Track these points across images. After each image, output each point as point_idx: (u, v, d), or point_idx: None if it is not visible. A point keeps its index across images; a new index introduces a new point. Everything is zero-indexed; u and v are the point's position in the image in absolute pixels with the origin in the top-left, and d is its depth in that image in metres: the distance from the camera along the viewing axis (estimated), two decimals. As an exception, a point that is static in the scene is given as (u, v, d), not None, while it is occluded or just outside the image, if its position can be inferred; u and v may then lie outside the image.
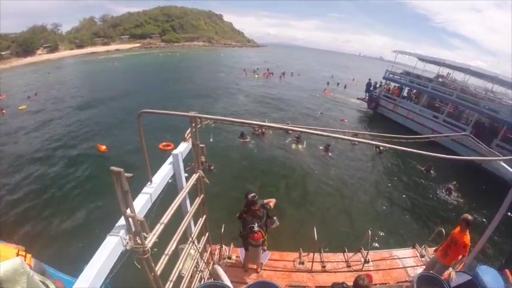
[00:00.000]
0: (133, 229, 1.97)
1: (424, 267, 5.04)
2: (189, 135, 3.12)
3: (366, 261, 5.11)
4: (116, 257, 1.90)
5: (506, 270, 4.15)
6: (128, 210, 1.89)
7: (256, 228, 4.06)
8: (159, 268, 2.46)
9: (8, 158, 12.71)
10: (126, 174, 1.72)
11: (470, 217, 4.11)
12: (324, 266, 5.04)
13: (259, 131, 15.57)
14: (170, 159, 3.01)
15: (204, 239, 4.18)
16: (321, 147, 14.44)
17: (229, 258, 5.05)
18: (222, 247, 5.12)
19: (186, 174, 3.29)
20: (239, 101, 24.57)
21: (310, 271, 4.92)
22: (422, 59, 21.37)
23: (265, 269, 4.93)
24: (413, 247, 5.79)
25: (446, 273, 4.20)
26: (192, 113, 2.74)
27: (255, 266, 4.85)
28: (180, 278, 3.30)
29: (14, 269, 1.94)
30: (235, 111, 21.45)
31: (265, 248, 4.54)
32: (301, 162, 13.07)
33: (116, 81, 32.85)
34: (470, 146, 13.70)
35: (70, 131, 16.33)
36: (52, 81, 33.83)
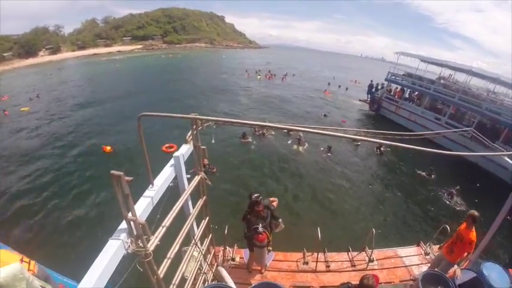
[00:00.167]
0: (135, 232, 1.96)
1: (429, 265, 4.99)
2: (190, 137, 3.12)
3: (371, 260, 5.08)
4: (117, 260, 1.89)
5: (510, 270, 4.09)
6: (129, 214, 1.89)
7: (260, 229, 4.03)
8: (161, 271, 2.44)
9: (10, 160, 12.73)
10: (126, 177, 1.72)
11: (476, 213, 4.04)
12: (328, 266, 5.01)
13: (260, 132, 15.57)
14: (172, 161, 3.01)
15: (207, 241, 4.16)
16: (322, 149, 14.38)
17: (233, 259, 5.01)
18: (226, 248, 5.08)
19: (189, 176, 3.28)
20: (241, 102, 24.55)
21: (315, 271, 4.88)
22: (424, 60, 21.33)
23: (269, 270, 4.90)
24: (418, 245, 5.75)
25: (451, 270, 4.15)
26: (192, 115, 2.73)
27: (259, 267, 4.82)
28: (183, 280, 3.28)
29: (14, 275, 1.94)
30: (238, 111, 21.44)
31: (270, 248, 4.52)
32: (303, 163, 13.04)
33: (118, 83, 32.99)
34: (470, 148, 13.83)
35: (73, 133, 16.37)
36: (54, 83, 33.98)
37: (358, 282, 3.01)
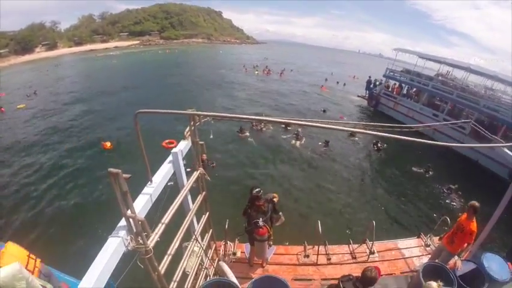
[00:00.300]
0: (135, 229, 1.95)
1: (429, 256, 5.03)
2: (189, 133, 3.10)
3: (371, 252, 5.11)
4: (118, 258, 1.89)
5: (509, 264, 4.11)
6: (128, 211, 1.87)
7: (261, 223, 4.04)
8: (162, 267, 2.45)
9: (5, 157, 12.66)
10: (124, 175, 1.71)
11: (477, 204, 4.05)
12: (329, 259, 5.04)
13: (258, 126, 15.55)
14: (170, 157, 2.99)
15: (208, 236, 4.17)
16: (320, 143, 14.38)
17: (234, 254, 5.04)
18: (227, 243, 5.10)
19: (189, 169, 3.27)
20: (239, 97, 24.46)
21: (316, 264, 4.91)
22: (422, 57, 21.32)
23: (270, 264, 4.93)
24: (419, 237, 5.79)
25: (452, 261, 4.17)
26: (190, 111, 2.71)
27: (260, 261, 4.84)
28: (185, 275, 3.29)
29: (13, 275, 1.93)
30: (236, 106, 21.38)
31: (271, 243, 4.53)
32: (301, 157, 13.06)
33: (115, 79, 32.64)
34: (467, 144, 14.05)
35: (71, 129, 16.21)
36: (51, 79, 33.60)
37: (359, 275, 3.01)
